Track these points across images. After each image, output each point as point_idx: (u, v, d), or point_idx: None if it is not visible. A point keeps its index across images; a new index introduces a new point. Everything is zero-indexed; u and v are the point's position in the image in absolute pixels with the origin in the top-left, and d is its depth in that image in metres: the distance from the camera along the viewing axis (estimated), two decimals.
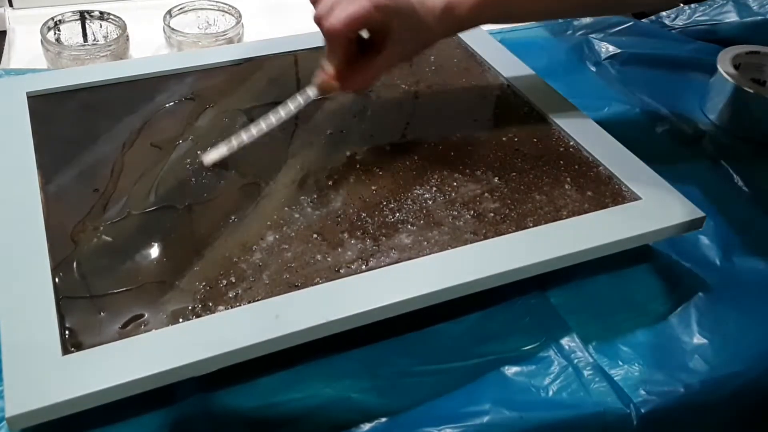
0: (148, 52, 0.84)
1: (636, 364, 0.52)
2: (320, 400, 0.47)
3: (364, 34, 0.56)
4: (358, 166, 0.59)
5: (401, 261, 0.51)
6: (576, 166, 0.60)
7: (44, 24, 0.79)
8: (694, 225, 0.56)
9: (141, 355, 0.43)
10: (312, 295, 0.48)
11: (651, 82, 0.81)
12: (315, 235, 0.52)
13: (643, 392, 0.50)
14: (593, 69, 0.83)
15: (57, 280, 0.48)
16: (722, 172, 0.70)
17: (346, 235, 0.52)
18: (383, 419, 0.47)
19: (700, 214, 0.56)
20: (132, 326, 0.45)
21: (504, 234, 0.53)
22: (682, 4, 0.92)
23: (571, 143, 0.63)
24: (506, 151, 0.62)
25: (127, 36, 0.80)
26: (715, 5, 0.91)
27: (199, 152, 0.58)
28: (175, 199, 0.55)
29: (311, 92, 0.57)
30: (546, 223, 0.54)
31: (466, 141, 0.63)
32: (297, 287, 0.48)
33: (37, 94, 0.63)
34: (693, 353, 0.53)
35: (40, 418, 0.41)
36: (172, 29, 0.81)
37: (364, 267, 0.50)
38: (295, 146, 0.61)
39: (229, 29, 0.83)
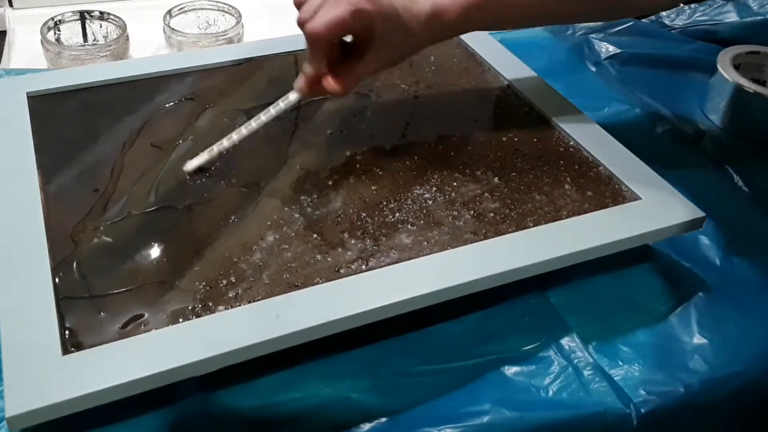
0: (148, 52, 0.84)
1: (636, 364, 0.52)
2: (320, 400, 0.47)
3: (348, 38, 0.56)
4: (358, 166, 0.59)
5: (401, 261, 0.51)
6: (576, 166, 0.60)
7: (44, 24, 0.79)
8: (694, 225, 0.56)
9: (141, 355, 0.43)
10: (312, 295, 0.48)
11: (651, 82, 0.81)
12: (315, 235, 0.52)
13: (643, 392, 0.50)
14: (593, 69, 0.83)
15: (57, 280, 0.48)
16: (722, 172, 0.70)
17: (346, 235, 0.52)
18: (383, 419, 0.47)
19: (700, 214, 0.56)
20: (132, 326, 0.45)
21: (504, 234, 0.53)
22: (682, 4, 0.92)
23: (571, 143, 0.63)
24: (506, 151, 0.62)
25: (127, 36, 0.80)
26: (715, 5, 0.91)
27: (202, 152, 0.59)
28: (175, 199, 0.55)
29: (293, 96, 0.57)
30: (546, 223, 0.54)
31: (466, 141, 0.63)
32: (297, 287, 0.48)
33: (37, 94, 0.63)
34: (693, 353, 0.53)
35: (40, 418, 0.41)
36: (172, 29, 0.81)
37: (364, 267, 0.50)
38: (295, 146, 0.61)
39: (229, 29, 0.83)
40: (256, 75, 0.69)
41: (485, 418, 0.47)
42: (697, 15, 0.91)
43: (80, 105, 0.64)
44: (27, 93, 0.63)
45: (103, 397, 0.42)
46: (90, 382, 0.41)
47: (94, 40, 0.83)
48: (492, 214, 0.55)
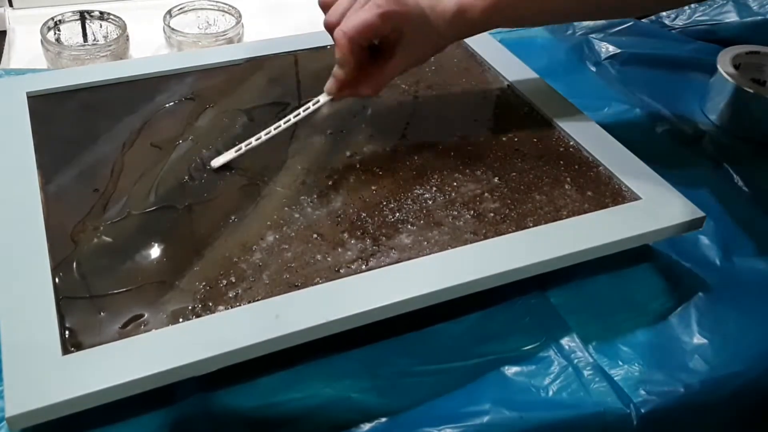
0: (148, 52, 0.84)
1: (636, 364, 0.52)
2: (320, 400, 0.47)
3: (374, 40, 0.56)
4: (358, 166, 0.59)
5: (401, 261, 0.51)
6: (576, 166, 0.60)
7: (44, 24, 0.79)
8: (694, 225, 0.56)
9: (141, 355, 0.43)
10: (312, 295, 0.48)
11: (651, 82, 0.81)
12: (315, 235, 0.52)
13: (643, 392, 0.50)
14: (593, 69, 0.83)
15: (57, 280, 0.48)
16: (722, 172, 0.70)
17: (346, 235, 0.52)
18: (383, 419, 0.47)
19: (700, 214, 0.56)
20: (132, 326, 0.45)
21: (504, 234, 0.53)
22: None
23: (571, 143, 0.63)
24: (506, 151, 0.62)
25: (127, 36, 0.80)
26: (715, 5, 0.91)
27: (204, 151, 0.59)
28: (175, 199, 0.55)
29: (323, 99, 0.58)
30: (546, 223, 0.54)
31: (466, 141, 0.63)
32: (297, 287, 0.48)
33: (37, 94, 0.63)
34: (693, 353, 0.53)
35: (40, 418, 0.41)
36: (172, 29, 0.81)
37: (364, 267, 0.50)
38: (295, 146, 0.61)
39: (229, 29, 0.83)
40: (256, 75, 0.69)
41: (485, 418, 0.47)
42: (697, 15, 0.91)
43: (80, 105, 0.64)
44: (27, 93, 0.63)
45: (103, 397, 0.42)
46: (90, 382, 0.41)
47: (94, 40, 0.83)
48: (492, 214, 0.55)
